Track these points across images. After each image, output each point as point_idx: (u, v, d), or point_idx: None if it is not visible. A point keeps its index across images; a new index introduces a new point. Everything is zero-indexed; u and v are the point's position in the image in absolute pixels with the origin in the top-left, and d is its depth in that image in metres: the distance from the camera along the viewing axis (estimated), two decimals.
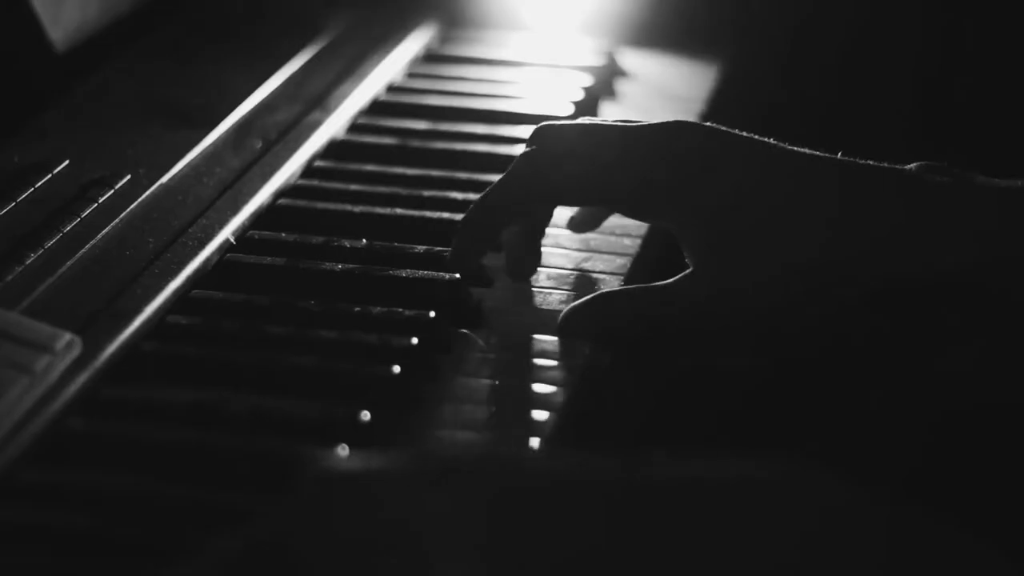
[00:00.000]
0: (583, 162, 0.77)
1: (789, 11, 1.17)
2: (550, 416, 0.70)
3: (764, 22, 1.16)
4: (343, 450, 0.64)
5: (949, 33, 1.20)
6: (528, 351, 0.75)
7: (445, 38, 1.10)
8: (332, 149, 0.93)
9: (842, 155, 0.76)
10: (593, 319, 0.76)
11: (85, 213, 0.79)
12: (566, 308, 0.77)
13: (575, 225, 0.85)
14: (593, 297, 0.77)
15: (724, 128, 0.78)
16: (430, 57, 1.07)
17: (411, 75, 1.04)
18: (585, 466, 0.51)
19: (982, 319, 0.75)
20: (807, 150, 0.77)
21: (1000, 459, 0.80)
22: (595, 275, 0.82)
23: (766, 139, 0.77)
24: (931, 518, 0.49)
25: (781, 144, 0.77)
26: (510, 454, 0.54)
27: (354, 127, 0.96)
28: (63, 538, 0.61)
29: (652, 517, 0.49)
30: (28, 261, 0.75)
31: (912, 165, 0.75)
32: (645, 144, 0.77)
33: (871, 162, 0.76)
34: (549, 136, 0.79)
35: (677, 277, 0.76)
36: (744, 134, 0.77)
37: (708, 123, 0.78)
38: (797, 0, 1.18)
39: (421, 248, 0.82)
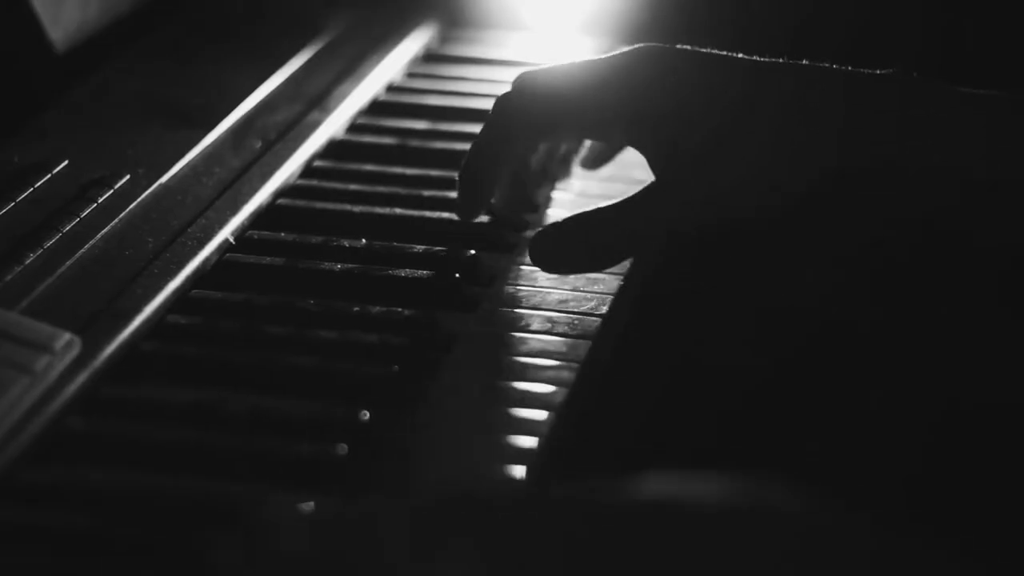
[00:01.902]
0: (553, 92, 0.79)
1: (789, 11, 1.17)
2: (550, 416, 0.70)
3: (764, 22, 1.16)
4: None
5: (949, 33, 1.20)
6: (528, 351, 0.75)
7: (445, 38, 1.10)
8: (332, 149, 0.93)
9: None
10: (568, 245, 0.77)
11: (85, 213, 0.79)
12: (534, 234, 0.78)
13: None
14: (563, 221, 0.78)
15: (680, 47, 0.79)
16: (430, 57, 1.07)
17: (411, 75, 1.04)
18: (559, 500, 0.51)
19: (970, 279, 0.75)
20: (765, 58, 0.78)
21: (1000, 459, 0.80)
22: (594, 275, 0.82)
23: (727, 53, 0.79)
24: (917, 542, 0.49)
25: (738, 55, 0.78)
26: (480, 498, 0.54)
27: (354, 127, 0.96)
28: (63, 538, 0.61)
29: (633, 546, 0.49)
30: (28, 261, 0.75)
31: (880, 71, 0.76)
32: (606, 68, 0.78)
33: (835, 66, 0.77)
34: (524, 79, 0.81)
35: (642, 190, 0.77)
36: (701, 50, 0.79)
37: (669, 45, 0.79)
38: (797, 0, 1.18)
39: (421, 248, 0.82)
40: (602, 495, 0.51)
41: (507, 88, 0.81)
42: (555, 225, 0.78)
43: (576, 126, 0.82)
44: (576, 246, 0.78)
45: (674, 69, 0.77)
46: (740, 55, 0.78)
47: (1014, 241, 0.73)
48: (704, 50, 0.78)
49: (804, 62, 0.77)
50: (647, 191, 0.77)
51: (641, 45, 0.79)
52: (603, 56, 0.80)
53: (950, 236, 0.75)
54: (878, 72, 0.76)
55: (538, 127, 0.81)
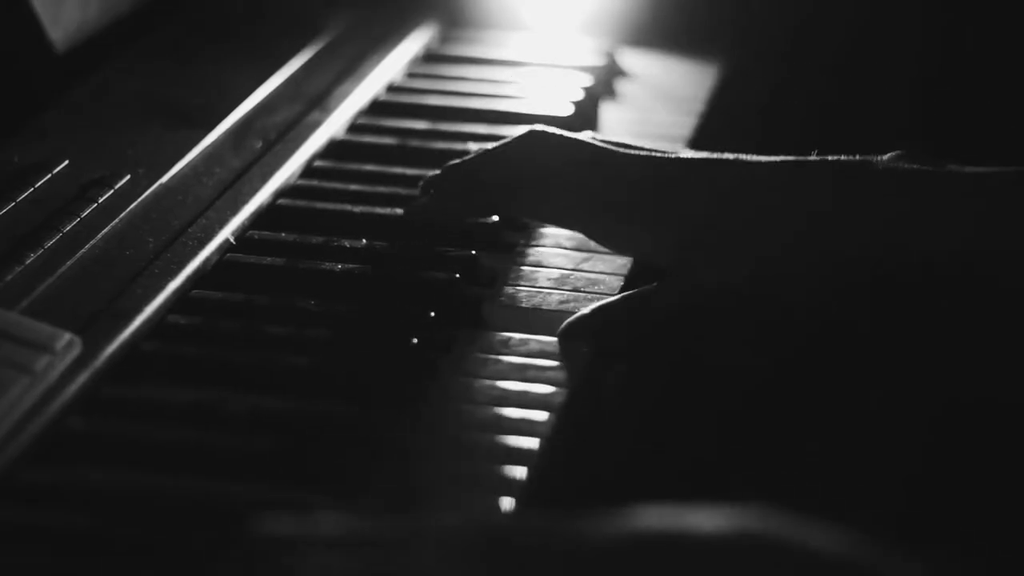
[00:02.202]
0: (563, 187, 0.79)
1: (789, 11, 1.17)
2: (550, 416, 0.70)
3: (764, 22, 1.16)
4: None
5: (949, 33, 1.20)
6: (528, 351, 0.75)
7: (445, 38, 1.10)
8: (332, 149, 0.93)
9: (817, 154, 0.78)
10: (589, 328, 0.77)
11: (85, 213, 0.79)
12: (565, 322, 0.77)
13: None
14: (580, 318, 0.77)
15: (690, 155, 0.79)
16: (430, 57, 1.07)
17: (411, 75, 1.04)
18: (551, 530, 0.51)
19: (972, 307, 0.75)
20: (778, 157, 0.78)
21: (1000, 459, 0.80)
22: (595, 275, 0.82)
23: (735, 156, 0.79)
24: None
25: (755, 158, 0.78)
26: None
27: (354, 127, 0.96)
28: (63, 538, 0.61)
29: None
30: (28, 261, 0.75)
31: (888, 155, 0.76)
32: (625, 161, 0.79)
33: (843, 157, 0.77)
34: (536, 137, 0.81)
35: (664, 282, 0.77)
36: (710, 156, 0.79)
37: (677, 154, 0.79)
38: (797, 0, 1.18)
39: (421, 248, 0.82)
40: (606, 528, 0.51)
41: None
42: (575, 324, 0.77)
43: (589, 213, 0.80)
44: (598, 346, 0.77)
45: (702, 177, 0.78)
46: (745, 157, 0.78)
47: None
48: (716, 156, 0.79)
49: (811, 157, 0.78)
50: (661, 287, 0.78)
51: (661, 157, 0.79)
52: (624, 149, 0.79)
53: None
54: (873, 159, 0.76)
55: (541, 200, 0.80)
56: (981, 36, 1.20)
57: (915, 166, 0.75)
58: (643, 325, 0.77)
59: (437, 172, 0.83)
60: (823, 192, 0.76)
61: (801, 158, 0.78)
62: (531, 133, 0.81)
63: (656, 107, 1.04)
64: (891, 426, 0.81)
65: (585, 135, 0.82)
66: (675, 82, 1.08)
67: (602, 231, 0.80)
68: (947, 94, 1.20)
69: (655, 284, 0.78)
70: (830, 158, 0.77)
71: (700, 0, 1.14)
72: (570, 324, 0.77)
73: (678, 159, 0.79)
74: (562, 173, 0.79)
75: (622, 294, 0.79)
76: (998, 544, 0.76)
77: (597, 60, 1.06)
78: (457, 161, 0.83)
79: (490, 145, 0.82)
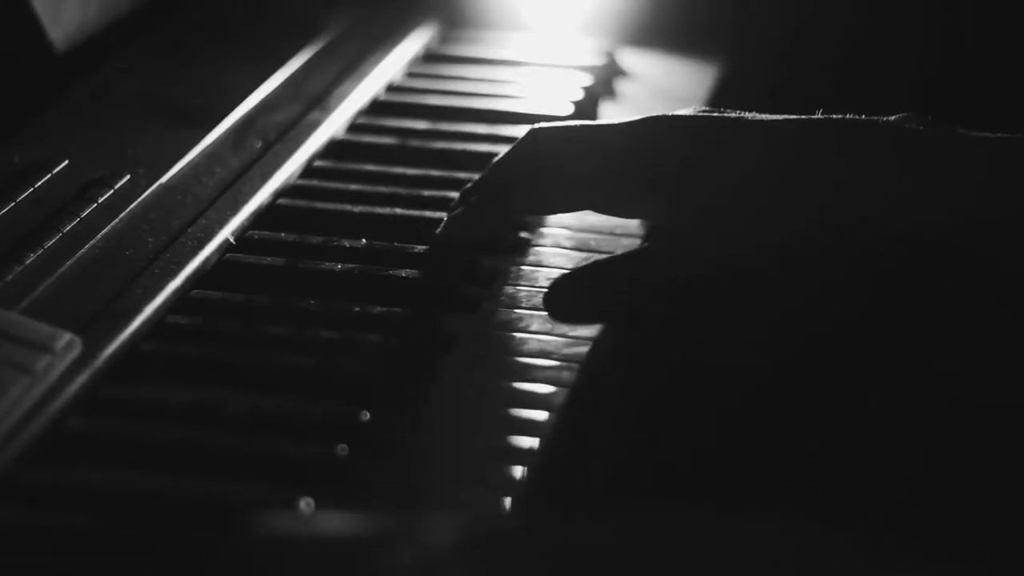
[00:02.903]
0: (580, 158, 0.79)
1: (789, 11, 1.17)
2: (550, 416, 0.70)
3: (764, 22, 1.16)
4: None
5: (949, 33, 1.20)
6: (528, 351, 0.75)
7: (445, 38, 1.10)
8: (332, 149, 0.93)
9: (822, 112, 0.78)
10: (585, 283, 0.77)
11: (85, 213, 0.79)
12: (550, 285, 0.77)
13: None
14: (576, 274, 0.77)
15: (691, 114, 0.79)
16: (430, 57, 1.07)
17: (411, 75, 1.04)
18: (551, 529, 0.52)
19: (971, 284, 0.75)
20: (783, 116, 0.78)
21: (1000, 460, 0.80)
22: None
23: (742, 115, 0.79)
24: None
25: (760, 115, 0.78)
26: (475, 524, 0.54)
27: (354, 127, 0.96)
28: (63, 538, 0.61)
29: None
30: (28, 261, 0.75)
31: (895, 116, 0.76)
32: (628, 136, 0.79)
33: (851, 115, 0.77)
34: (541, 136, 0.81)
35: (652, 243, 0.78)
36: (712, 115, 0.79)
37: (683, 112, 0.80)
38: (797, 0, 1.18)
39: (421, 248, 0.82)
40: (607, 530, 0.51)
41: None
42: (568, 277, 0.78)
43: (601, 193, 0.80)
44: (591, 301, 0.77)
45: (693, 135, 0.78)
46: (752, 115, 0.78)
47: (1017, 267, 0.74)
48: (715, 114, 0.79)
49: (816, 116, 0.78)
50: (658, 243, 0.77)
51: (658, 115, 0.79)
52: (615, 123, 0.80)
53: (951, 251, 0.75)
54: (880, 120, 0.76)
55: (563, 193, 0.80)
56: (981, 36, 1.20)
57: (922, 128, 0.75)
58: (643, 285, 0.77)
59: (455, 209, 0.83)
60: (834, 154, 0.75)
61: (807, 117, 0.77)
62: (533, 133, 0.81)
63: (656, 107, 1.03)
64: (891, 426, 0.81)
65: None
66: (675, 82, 1.08)
67: (612, 205, 0.80)
68: (947, 94, 1.20)
69: (655, 244, 0.77)
70: (835, 118, 0.77)
71: (700, 0, 1.14)
72: (561, 279, 0.77)
73: (676, 118, 0.79)
74: (568, 161, 0.79)
75: (609, 256, 0.79)
76: (998, 544, 0.76)
77: (597, 60, 1.06)
78: (469, 185, 0.83)
79: (496, 159, 0.82)
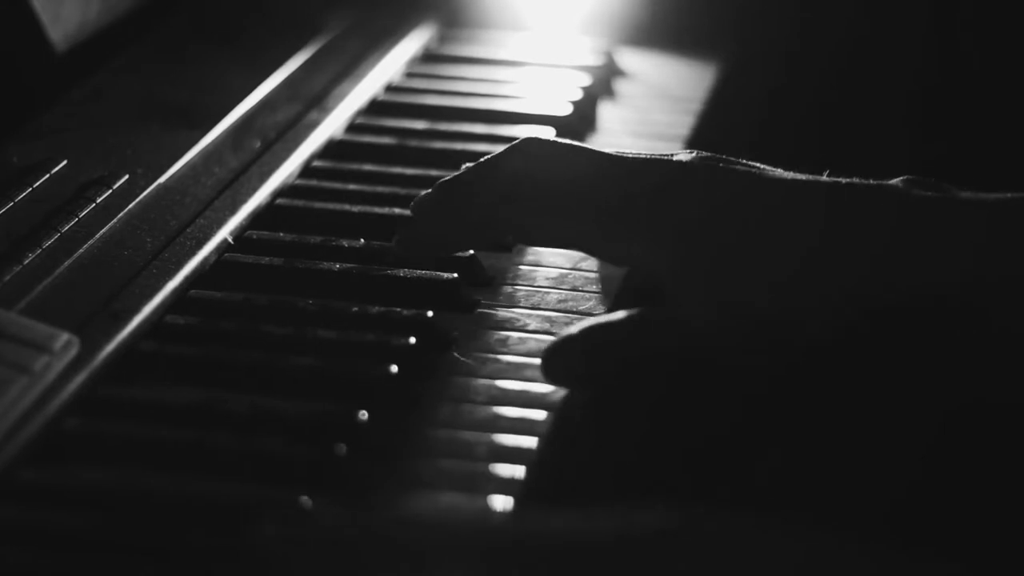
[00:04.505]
0: (562, 179, 0.75)
1: (789, 11, 1.17)
2: (549, 415, 0.70)
3: (764, 22, 1.16)
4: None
5: (950, 33, 1.20)
6: (527, 350, 0.75)
7: (444, 38, 1.10)
8: (330, 149, 0.93)
9: (828, 174, 0.75)
10: (579, 360, 0.73)
11: (83, 213, 0.79)
12: (546, 348, 0.73)
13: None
14: (572, 335, 0.73)
15: (707, 155, 0.76)
16: (429, 57, 1.07)
17: (410, 75, 1.04)
18: (550, 529, 0.52)
19: (971, 343, 0.74)
20: (789, 173, 0.75)
21: (1001, 460, 0.80)
22: (593, 274, 0.82)
23: (753, 164, 0.75)
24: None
25: (765, 168, 0.75)
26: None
27: (353, 127, 0.96)
28: (61, 538, 0.61)
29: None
30: (26, 261, 0.75)
31: (897, 180, 0.74)
32: (624, 167, 0.75)
33: (856, 179, 0.74)
34: (533, 148, 0.76)
35: (665, 305, 0.73)
36: (728, 163, 0.75)
37: (695, 152, 0.76)
38: (797, 0, 1.18)
39: None
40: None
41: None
42: (565, 343, 0.73)
43: (595, 226, 0.75)
44: (587, 369, 0.73)
45: (705, 182, 0.74)
46: (758, 165, 0.75)
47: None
48: (734, 166, 0.75)
49: (827, 175, 0.75)
50: (662, 314, 0.73)
51: (674, 158, 0.75)
52: (624, 154, 0.76)
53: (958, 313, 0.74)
54: (875, 184, 0.73)
55: (539, 210, 0.75)
56: (981, 36, 1.20)
57: (923, 192, 0.73)
58: (640, 348, 0.73)
59: (427, 192, 0.78)
60: (839, 218, 0.73)
61: (813, 177, 0.74)
62: (525, 141, 0.77)
63: (655, 107, 1.04)
64: (891, 426, 0.81)
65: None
66: (674, 82, 1.08)
67: (601, 242, 0.75)
68: (948, 94, 1.20)
69: (652, 306, 0.73)
70: (843, 181, 0.74)
71: (700, 0, 1.14)
72: (557, 343, 0.73)
73: (684, 165, 0.75)
74: (559, 180, 0.75)
75: (614, 313, 0.74)
76: (998, 544, 0.76)
77: (596, 60, 1.06)
78: (448, 177, 0.78)
79: (482, 159, 0.78)
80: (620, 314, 0.73)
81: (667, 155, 0.76)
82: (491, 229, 0.79)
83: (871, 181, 0.74)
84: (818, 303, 0.72)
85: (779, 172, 0.75)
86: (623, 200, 0.74)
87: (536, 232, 0.77)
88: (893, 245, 0.72)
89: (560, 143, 0.77)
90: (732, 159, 0.76)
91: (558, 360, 0.72)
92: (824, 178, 0.74)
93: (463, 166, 0.78)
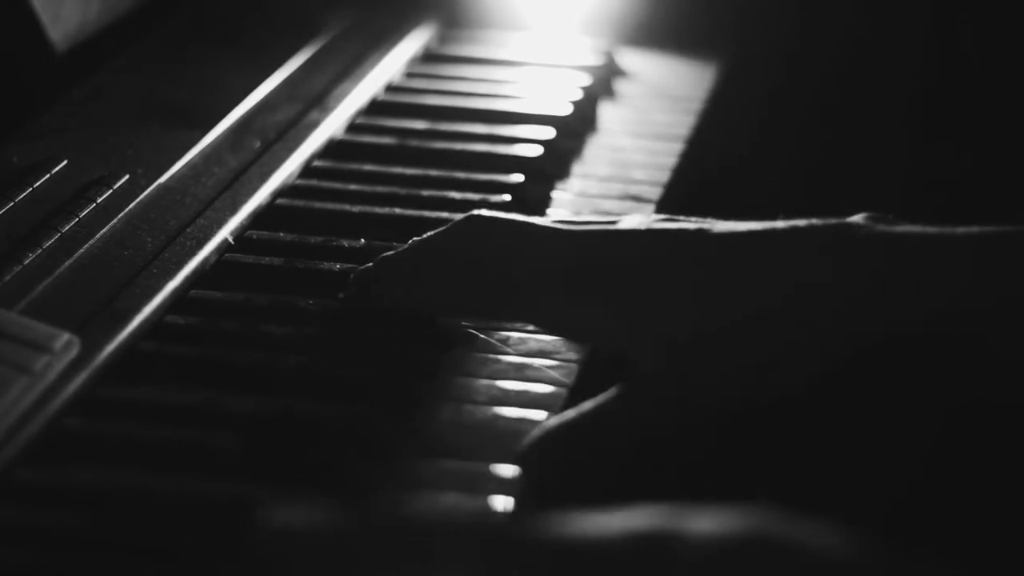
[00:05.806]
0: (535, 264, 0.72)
1: (789, 11, 1.17)
2: (549, 416, 0.70)
3: (764, 22, 1.16)
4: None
5: (950, 33, 1.20)
6: (527, 351, 0.75)
7: (444, 38, 1.10)
8: (331, 149, 0.93)
9: (783, 217, 0.72)
10: (556, 444, 0.69)
11: (83, 213, 0.79)
12: (524, 442, 0.69)
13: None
14: (553, 425, 0.69)
15: (657, 217, 0.74)
16: (429, 57, 1.07)
17: (410, 75, 1.04)
18: (550, 529, 0.51)
19: (964, 372, 0.74)
20: (742, 223, 0.72)
21: (1001, 460, 0.80)
22: None
23: (703, 220, 0.73)
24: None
25: (715, 221, 0.73)
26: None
27: (353, 127, 0.96)
28: (61, 538, 0.61)
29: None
30: (26, 261, 0.75)
31: (857, 216, 0.72)
32: (574, 241, 0.73)
33: (815, 220, 0.71)
34: (482, 224, 0.74)
35: (629, 383, 0.70)
36: (679, 224, 0.73)
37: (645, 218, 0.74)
38: (797, 0, 1.18)
39: None
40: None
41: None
42: (543, 441, 0.69)
43: (545, 304, 0.72)
44: (561, 474, 0.69)
45: (652, 248, 0.71)
46: (722, 224, 0.72)
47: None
48: (683, 224, 0.72)
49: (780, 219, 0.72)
50: (627, 395, 0.70)
51: (627, 220, 0.73)
52: (571, 227, 0.73)
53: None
54: (837, 223, 0.71)
55: (494, 293, 0.73)
56: (981, 36, 1.20)
57: (897, 228, 0.71)
58: (617, 439, 0.70)
59: (368, 265, 0.75)
60: (811, 268, 0.71)
61: (770, 226, 0.72)
62: (470, 219, 0.74)
63: (655, 107, 1.04)
64: (891, 426, 0.81)
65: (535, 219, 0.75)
66: (674, 82, 1.08)
67: (553, 319, 0.73)
68: (948, 94, 1.20)
69: (619, 389, 0.70)
70: (802, 224, 0.71)
71: (700, 0, 1.14)
72: (532, 445, 0.68)
73: (633, 233, 0.72)
74: (505, 260, 0.72)
75: (580, 406, 0.70)
76: (998, 545, 0.76)
77: (596, 60, 1.06)
78: (390, 253, 0.75)
79: (427, 234, 0.75)
80: (586, 404, 0.70)
81: (612, 221, 0.74)
82: (434, 308, 0.76)
83: (831, 220, 0.72)
84: (792, 350, 0.70)
85: (728, 225, 0.72)
86: (575, 275, 0.72)
87: (479, 312, 0.75)
88: (871, 283, 0.70)
89: (506, 219, 0.74)
90: (679, 217, 0.73)
91: (531, 471, 0.68)
92: (780, 224, 0.72)
93: (409, 241, 0.75)
